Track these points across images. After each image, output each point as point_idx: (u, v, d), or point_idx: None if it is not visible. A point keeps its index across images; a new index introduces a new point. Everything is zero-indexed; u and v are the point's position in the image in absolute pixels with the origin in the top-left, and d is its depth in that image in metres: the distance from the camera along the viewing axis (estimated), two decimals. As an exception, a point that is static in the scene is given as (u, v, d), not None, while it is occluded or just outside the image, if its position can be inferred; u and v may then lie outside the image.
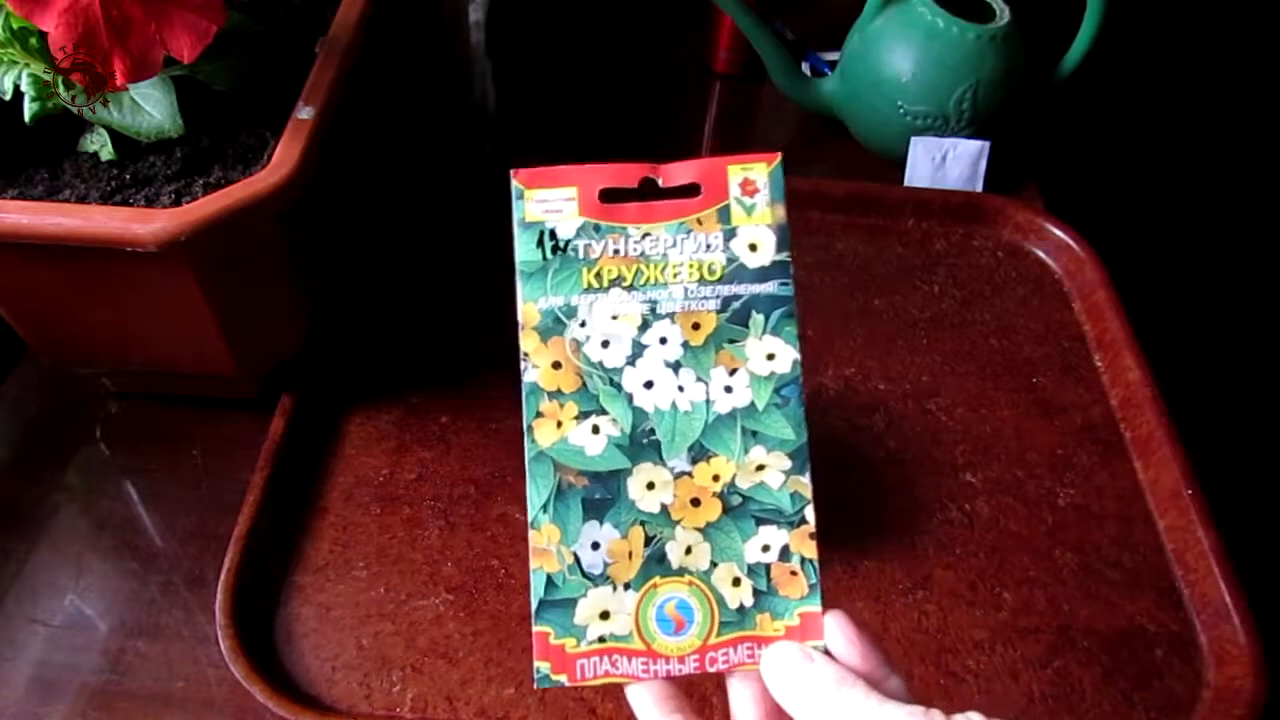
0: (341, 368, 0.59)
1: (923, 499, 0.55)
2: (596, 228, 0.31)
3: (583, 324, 0.31)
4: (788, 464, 0.31)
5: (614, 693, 0.46)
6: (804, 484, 0.31)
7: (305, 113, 0.48)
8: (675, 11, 0.90)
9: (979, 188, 0.72)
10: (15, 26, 0.43)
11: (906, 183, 0.72)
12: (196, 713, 0.46)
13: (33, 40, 0.44)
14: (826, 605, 0.30)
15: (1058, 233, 0.68)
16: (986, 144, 0.71)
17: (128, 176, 0.47)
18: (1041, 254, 0.69)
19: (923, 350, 0.62)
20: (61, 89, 0.45)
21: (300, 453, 0.54)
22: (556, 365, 0.31)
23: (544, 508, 0.30)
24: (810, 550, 0.30)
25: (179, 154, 0.48)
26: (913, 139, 0.71)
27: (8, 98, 0.45)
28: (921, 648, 0.49)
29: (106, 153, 0.47)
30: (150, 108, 0.47)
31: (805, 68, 0.83)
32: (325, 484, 0.54)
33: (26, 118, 0.45)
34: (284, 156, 0.46)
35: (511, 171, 0.31)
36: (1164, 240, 1.16)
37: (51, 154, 0.48)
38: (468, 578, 0.50)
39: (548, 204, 0.31)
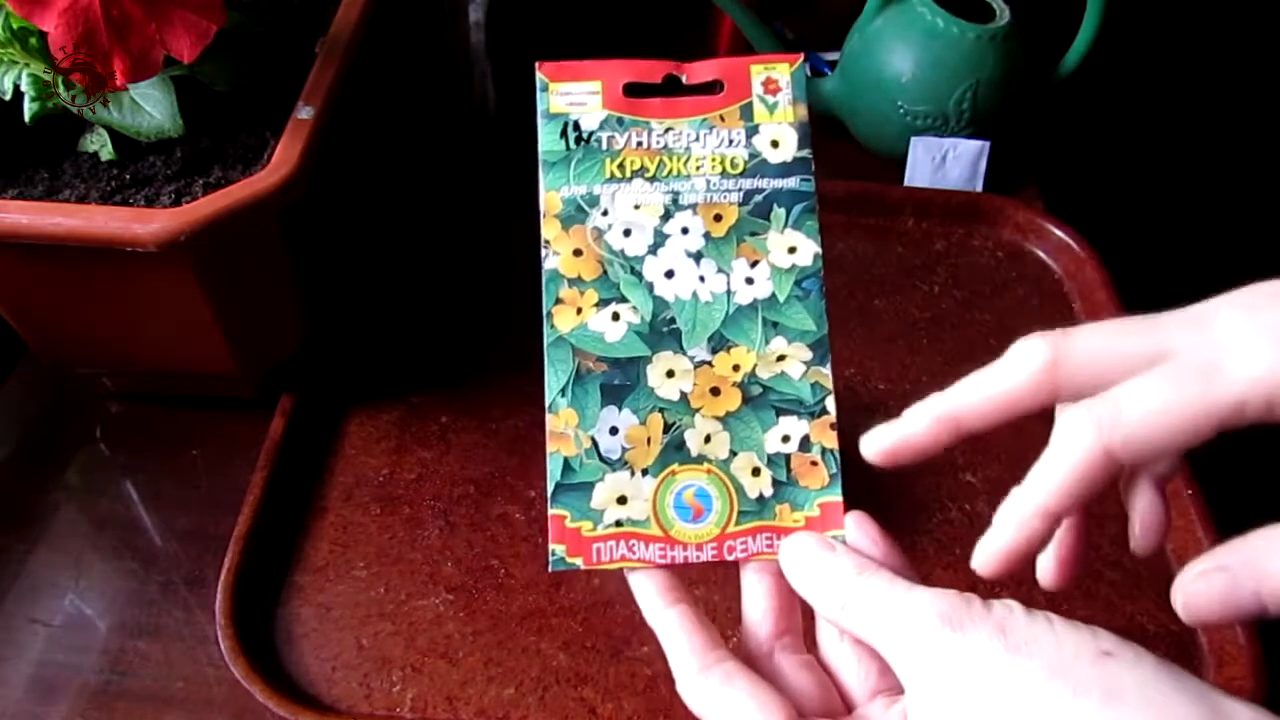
0: (341, 368, 0.59)
1: (923, 499, 0.55)
2: (620, 120, 0.31)
3: (605, 213, 0.31)
4: (808, 355, 0.31)
5: (615, 693, 0.46)
6: (825, 375, 0.31)
7: (305, 113, 0.48)
8: (675, 11, 0.90)
9: (979, 188, 0.72)
10: (15, 26, 0.43)
11: (906, 183, 0.72)
12: (196, 713, 0.46)
13: (33, 40, 0.44)
14: (848, 503, 0.30)
15: (1058, 233, 0.68)
16: (986, 144, 0.71)
17: (128, 176, 0.47)
18: (1041, 254, 0.69)
19: (923, 350, 0.62)
20: (61, 89, 0.45)
21: (300, 453, 0.54)
22: (577, 253, 0.31)
23: (562, 392, 0.30)
24: (831, 440, 0.31)
25: (179, 154, 0.48)
26: (913, 139, 0.71)
27: (8, 98, 0.45)
28: (921, 648, 0.49)
29: (106, 153, 0.47)
30: (150, 108, 0.47)
31: (805, 68, 0.83)
32: (325, 484, 0.54)
33: (26, 118, 0.45)
34: (284, 156, 0.46)
35: (537, 64, 0.31)
36: (1164, 240, 1.16)
37: (51, 154, 0.48)
38: (468, 578, 0.50)
39: (572, 96, 0.31)
